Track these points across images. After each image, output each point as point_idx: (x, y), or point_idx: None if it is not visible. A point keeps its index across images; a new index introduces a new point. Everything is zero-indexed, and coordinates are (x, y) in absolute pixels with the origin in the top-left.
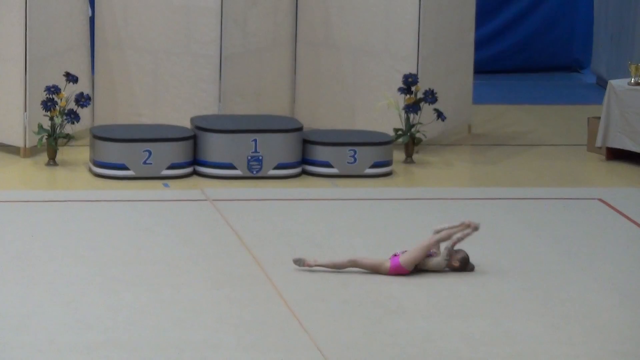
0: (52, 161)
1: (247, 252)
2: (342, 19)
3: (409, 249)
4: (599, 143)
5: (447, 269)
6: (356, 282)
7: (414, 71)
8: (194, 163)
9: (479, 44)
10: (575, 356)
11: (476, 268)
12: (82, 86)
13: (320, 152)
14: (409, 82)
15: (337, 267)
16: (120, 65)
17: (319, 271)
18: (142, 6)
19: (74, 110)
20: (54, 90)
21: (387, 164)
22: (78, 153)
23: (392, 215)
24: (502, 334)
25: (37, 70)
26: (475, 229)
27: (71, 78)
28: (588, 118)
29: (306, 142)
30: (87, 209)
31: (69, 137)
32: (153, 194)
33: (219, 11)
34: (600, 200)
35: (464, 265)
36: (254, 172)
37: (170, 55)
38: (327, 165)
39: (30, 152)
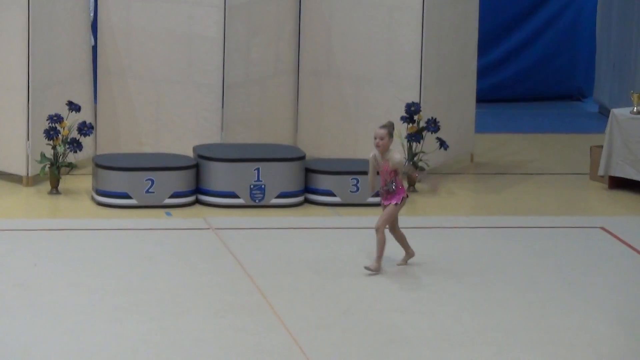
0: (55, 190)
1: (250, 280)
2: (345, 48)
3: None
4: (601, 172)
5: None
6: (359, 310)
7: (416, 100)
8: (197, 192)
9: (482, 73)
10: None
11: (480, 298)
12: (85, 115)
13: (323, 181)
14: (411, 111)
15: (383, 242)
16: (123, 94)
17: (323, 300)
18: (144, 35)
19: (77, 139)
20: (56, 119)
21: None
22: (81, 182)
23: (394, 244)
24: None
25: (40, 99)
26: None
27: (74, 107)
28: (590, 147)
29: (309, 171)
30: (89, 237)
31: (71, 166)
32: (156, 223)
33: (221, 40)
34: (602, 228)
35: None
36: (257, 201)
37: (173, 84)
38: (330, 194)
39: (32, 180)
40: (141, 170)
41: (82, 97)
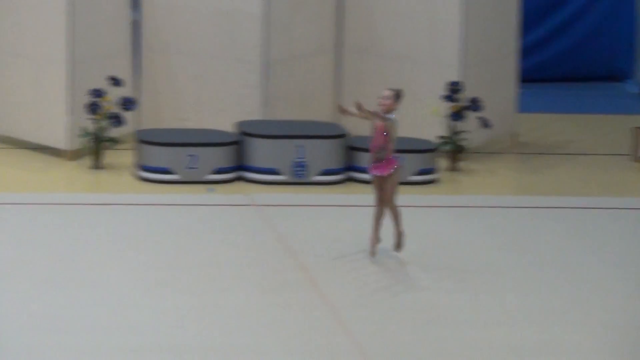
0: (97, 165)
1: (292, 257)
2: (387, 26)
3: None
4: None
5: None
6: (402, 289)
7: (458, 79)
8: (239, 168)
9: (524, 53)
10: None
11: (519, 277)
12: (127, 90)
13: (365, 159)
14: (453, 90)
15: (378, 215)
16: (166, 69)
17: (365, 278)
18: (187, 11)
19: (119, 113)
20: (98, 93)
21: (431, 171)
22: (122, 157)
23: (437, 222)
24: (547, 343)
25: (81, 74)
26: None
27: (116, 82)
28: (632, 128)
29: (350, 149)
30: (131, 212)
31: (113, 141)
32: (197, 199)
33: (264, 17)
34: None
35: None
36: (299, 178)
37: (215, 60)
38: None
39: (74, 155)
40: (183, 145)
41: (123, 72)
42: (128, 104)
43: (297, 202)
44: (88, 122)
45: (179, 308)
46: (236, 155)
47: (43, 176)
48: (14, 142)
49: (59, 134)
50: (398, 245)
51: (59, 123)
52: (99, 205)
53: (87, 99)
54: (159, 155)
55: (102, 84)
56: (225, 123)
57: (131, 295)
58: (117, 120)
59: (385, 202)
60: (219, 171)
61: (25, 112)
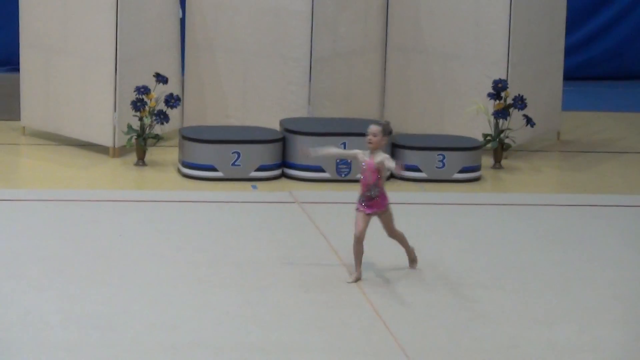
0: (141, 161)
1: (335, 254)
2: (432, 25)
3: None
4: None
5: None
6: (442, 286)
7: (503, 77)
8: (283, 165)
9: (569, 51)
10: None
11: (561, 275)
12: (172, 87)
13: (409, 157)
14: (498, 88)
15: (359, 251)
16: (210, 66)
17: (406, 276)
18: (232, 8)
19: (164, 110)
20: (143, 90)
21: (475, 169)
22: (167, 154)
23: (480, 220)
24: (588, 342)
25: (127, 71)
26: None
27: (161, 79)
28: None
29: (395, 146)
30: (175, 209)
31: (158, 138)
32: (241, 196)
33: (309, 14)
34: None
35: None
36: (343, 175)
37: (260, 58)
38: (416, 169)
39: (119, 152)
40: (228, 143)
41: (169, 69)
42: (173, 101)
43: (340, 200)
44: (133, 119)
45: (220, 305)
46: (280, 153)
47: (88, 173)
48: (61, 139)
49: (104, 131)
50: (413, 261)
51: (104, 120)
52: (143, 202)
53: (132, 96)
54: (203, 153)
55: (148, 81)
56: (269, 120)
57: (173, 292)
58: (162, 117)
59: (389, 234)
60: (263, 168)
61: (71, 109)
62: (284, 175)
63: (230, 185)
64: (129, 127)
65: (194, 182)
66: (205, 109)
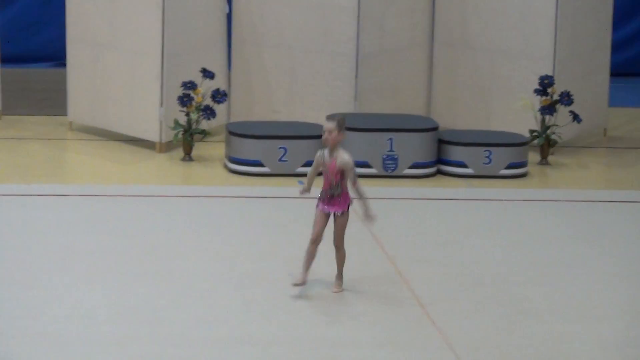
0: (188, 157)
1: (382, 250)
2: (479, 20)
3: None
4: None
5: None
6: (490, 282)
7: (550, 73)
8: None
9: (616, 47)
10: None
11: (609, 271)
12: (219, 82)
13: (456, 152)
14: (545, 84)
15: (312, 254)
16: (257, 62)
17: (452, 271)
18: (279, 3)
19: (210, 106)
20: (190, 86)
21: (522, 165)
22: (213, 149)
23: (527, 216)
24: (636, 337)
25: (174, 66)
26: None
27: (208, 74)
28: None
29: (442, 142)
30: (221, 205)
31: (204, 133)
32: (288, 191)
33: (356, 10)
34: None
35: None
36: (389, 171)
37: (307, 53)
38: (462, 165)
39: (165, 147)
40: (274, 138)
41: (216, 65)
42: (219, 96)
43: (387, 195)
44: (180, 115)
45: (267, 300)
46: None
47: (135, 168)
48: (108, 135)
49: (151, 126)
50: (338, 286)
51: (151, 115)
52: (189, 198)
53: (179, 91)
54: (249, 148)
55: (194, 76)
56: (316, 116)
57: (220, 287)
58: (208, 112)
59: (336, 241)
60: (310, 164)
61: (118, 104)
62: None
63: (276, 180)
64: (176, 122)
65: (241, 177)
66: (252, 104)
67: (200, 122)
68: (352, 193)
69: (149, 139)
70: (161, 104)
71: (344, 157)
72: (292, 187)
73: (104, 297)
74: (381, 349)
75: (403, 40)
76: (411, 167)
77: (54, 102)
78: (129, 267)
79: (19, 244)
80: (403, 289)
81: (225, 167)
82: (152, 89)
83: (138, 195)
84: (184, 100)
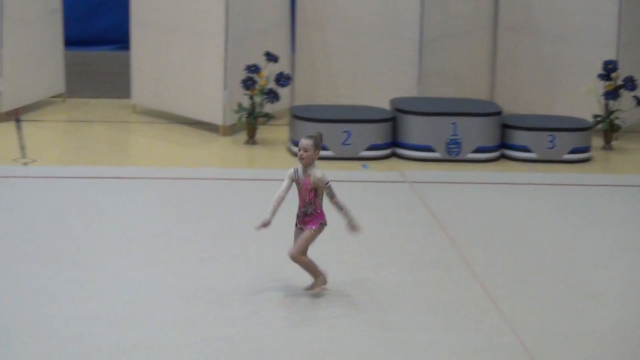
0: (251, 140)
1: (445, 234)
2: (543, 5)
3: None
4: None
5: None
6: (554, 265)
7: (614, 58)
8: (393, 145)
9: None
10: None
11: None
12: (282, 66)
13: (519, 137)
14: (608, 69)
15: (309, 263)
16: (321, 45)
17: (516, 255)
18: None
19: (274, 89)
20: (254, 69)
21: (585, 150)
22: (277, 132)
23: (590, 201)
24: None
25: (238, 49)
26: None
27: (271, 57)
28: None
29: (505, 127)
30: None
31: (268, 116)
32: (352, 175)
33: None
34: None
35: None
36: (453, 155)
37: (371, 37)
38: (526, 149)
39: (229, 130)
40: (338, 122)
41: (280, 48)
42: (283, 79)
43: (450, 180)
44: (243, 98)
45: (332, 283)
46: (390, 132)
47: (198, 151)
48: (171, 117)
49: (214, 110)
50: (315, 287)
51: (214, 98)
52: (253, 181)
53: (242, 75)
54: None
55: (258, 59)
56: (380, 100)
57: (286, 270)
58: (272, 95)
59: (291, 250)
60: (374, 148)
61: (182, 87)
62: (394, 154)
63: (340, 164)
64: (240, 105)
65: None
66: (315, 87)
67: (264, 106)
68: (333, 208)
69: (212, 122)
70: (225, 87)
71: (316, 174)
72: (355, 170)
73: (167, 278)
74: (445, 333)
75: (467, 24)
76: (474, 152)
77: (117, 85)
78: (192, 249)
79: (83, 226)
80: (466, 272)
81: (289, 150)
82: (215, 72)
83: (201, 178)
84: (248, 84)
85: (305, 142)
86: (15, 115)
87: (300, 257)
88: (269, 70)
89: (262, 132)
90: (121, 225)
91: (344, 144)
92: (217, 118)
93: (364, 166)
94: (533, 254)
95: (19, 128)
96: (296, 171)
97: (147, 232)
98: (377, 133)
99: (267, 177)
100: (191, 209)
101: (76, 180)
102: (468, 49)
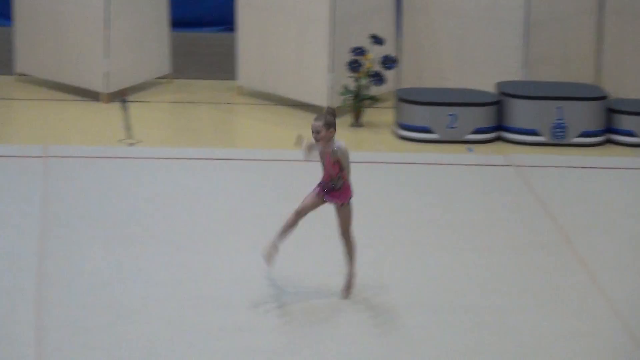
0: (357, 122)
1: (550, 218)
2: None
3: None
4: None
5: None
6: None
7: None
8: (498, 128)
9: None
10: None
11: None
12: (388, 48)
13: (625, 121)
14: None
15: (292, 224)
16: (427, 28)
17: (621, 239)
18: None
19: (380, 72)
20: (359, 51)
21: None
22: (382, 115)
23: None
24: None
25: (343, 32)
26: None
27: (377, 40)
28: None
29: (611, 111)
30: (390, 171)
31: (373, 99)
32: (456, 158)
33: None
34: None
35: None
36: (558, 139)
37: (476, 20)
38: (631, 134)
39: None
40: (444, 105)
41: (385, 31)
42: (389, 62)
43: (556, 164)
44: (349, 80)
45: (435, 266)
46: (496, 116)
47: (303, 133)
48: (276, 99)
49: (319, 92)
50: (348, 288)
51: (320, 81)
52: (358, 164)
53: (348, 57)
54: (419, 114)
55: (363, 42)
56: (485, 83)
57: (388, 253)
58: (377, 78)
59: (342, 232)
60: (479, 131)
61: (287, 69)
62: (499, 138)
63: (445, 147)
64: (345, 88)
65: (410, 143)
66: (421, 70)
67: (370, 88)
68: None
69: (317, 104)
70: (330, 70)
71: (335, 146)
72: (460, 154)
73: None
74: (547, 318)
75: (572, 8)
76: (580, 136)
77: (223, 67)
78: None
79: (187, 208)
80: (571, 257)
81: (394, 133)
82: (321, 55)
83: (307, 161)
84: (354, 66)
85: (315, 124)
86: (121, 96)
87: (352, 236)
88: (375, 53)
89: (367, 114)
90: (225, 208)
91: (449, 127)
92: (322, 100)
93: (469, 149)
94: (638, 239)
95: (124, 109)
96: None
97: (250, 213)
98: (482, 116)
99: (372, 159)
100: (296, 190)
101: (181, 162)
102: (573, 32)
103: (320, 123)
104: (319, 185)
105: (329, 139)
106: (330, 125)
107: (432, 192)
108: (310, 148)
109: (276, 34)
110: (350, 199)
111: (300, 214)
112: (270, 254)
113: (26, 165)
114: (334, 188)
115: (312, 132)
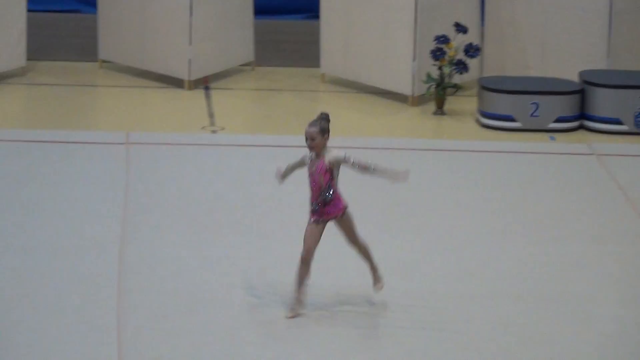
0: (440, 110)
1: (632, 208)
2: None
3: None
4: None
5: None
6: None
7: None
8: (581, 117)
9: None
10: None
11: None
12: (471, 37)
13: None
14: None
15: (304, 274)
16: (510, 17)
17: None
18: None
19: (463, 60)
20: (443, 40)
21: None
22: (465, 103)
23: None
24: None
25: (427, 20)
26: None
27: (461, 29)
28: None
29: None
30: (473, 159)
31: (456, 87)
32: (539, 147)
33: None
34: None
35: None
36: None
37: (559, 9)
38: None
39: (418, 100)
40: (527, 93)
41: (469, 19)
42: (472, 50)
43: (639, 152)
44: (432, 68)
45: (517, 255)
46: (579, 104)
47: (386, 121)
48: (360, 87)
49: (403, 80)
50: (378, 280)
51: (403, 68)
52: (440, 151)
53: (432, 45)
54: (501, 103)
55: (447, 30)
56: (569, 72)
57: (470, 241)
58: (461, 66)
59: (351, 241)
60: (561, 120)
61: (371, 57)
62: (582, 127)
63: (528, 135)
64: (428, 76)
65: (492, 132)
66: (504, 59)
67: (453, 76)
68: (371, 176)
69: (401, 92)
70: (414, 58)
71: (332, 153)
72: (542, 142)
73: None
74: (626, 307)
75: None
76: None
77: (306, 54)
78: (377, 221)
79: (269, 195)
80: None
81: (477, 121)
82: (405, 43)
83: (389, 148)
84: (437, 54)
85: (310, 130)
86: (204, 83)
87: (362, 241)
88: (459, 41)
89: (450, 102)
90: (308, 195)
91: (532, 115)
92: (406, 88)
93: (551, 138)
94: None
95: (207, 96)
96: (309, 157)
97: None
98: (565, 105)
99: (454, 147)
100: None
101: (264, 149)
102: None
103: (315, 129)
104: (311, 212)
105: (323, 146)
106: (325, 132)
107: (514, 180)
108: (283, 175)
109: (360, 22)
110: (345, 209)
111: (307, 259)
112: (295, 310)
113: (109, 152)
114: (326, 201)
115: (306, 138)
